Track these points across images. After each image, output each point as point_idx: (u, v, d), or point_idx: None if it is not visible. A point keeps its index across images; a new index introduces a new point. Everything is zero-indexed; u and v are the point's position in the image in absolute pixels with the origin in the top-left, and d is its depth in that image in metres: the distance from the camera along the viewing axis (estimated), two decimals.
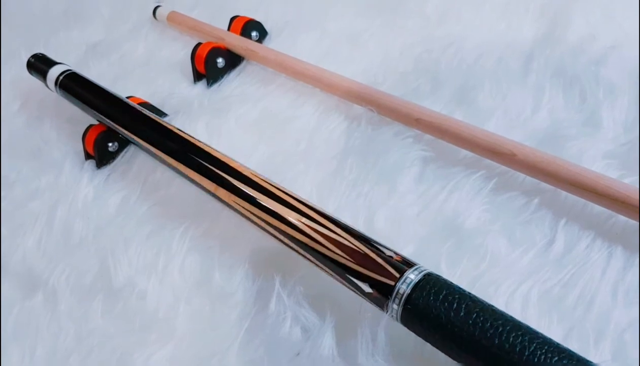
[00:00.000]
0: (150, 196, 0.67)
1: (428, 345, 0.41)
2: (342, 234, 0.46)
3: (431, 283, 0.41)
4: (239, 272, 0.55)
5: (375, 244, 0.45)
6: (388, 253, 0.44)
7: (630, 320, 0.44)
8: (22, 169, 0.78)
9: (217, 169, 0.55)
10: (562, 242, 0.49)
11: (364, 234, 0.47)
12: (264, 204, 0.51)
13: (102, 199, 0.69)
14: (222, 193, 0.54)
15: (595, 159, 0.54)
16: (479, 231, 0.52)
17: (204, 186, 0.56)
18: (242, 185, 0.53)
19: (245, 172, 0.54)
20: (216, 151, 0.58)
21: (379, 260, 0.44)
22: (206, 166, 0.56)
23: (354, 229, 0.47)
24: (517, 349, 0.36)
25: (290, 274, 0.52)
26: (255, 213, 0.51)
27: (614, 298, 0.45)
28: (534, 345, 0.36)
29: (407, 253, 0.45)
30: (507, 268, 0.49)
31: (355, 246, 0.45)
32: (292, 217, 0.49)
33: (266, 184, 0.52)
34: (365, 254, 0.44)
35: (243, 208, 0.52)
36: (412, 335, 0.42)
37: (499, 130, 0.57)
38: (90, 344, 0.56)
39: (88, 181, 0.71)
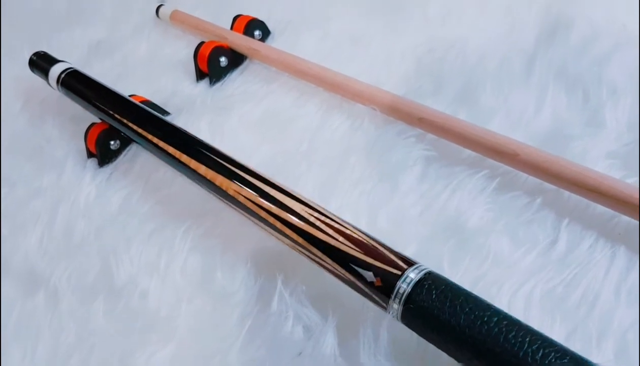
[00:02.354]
0: (153, 195, 0.67)
1: (430, 346, 0.41)
2: (343, 230, 0.46)
3: (432, 282, 0.41)
4: (241, 271, 0.55)
5: (375, 244, 0.45)
6: (388, 252, 0.44)
7: (633, 320, 0.44)
8: (24, 168, 0.78)
9: (220, 164, 0.55)
10: (565, 242, 0.49)
11: (365, 231, 0.47)
12: (268, 193, 0.51)
13: (104, 197, 0.69)
14: (225, 185, 0.54)
15: (599, 159, 0.54)
16: (482, 231, 0.52)
17: (208, 180, 0.56)
18: (245, 176, 0.53)
19: (248, 167, 0.54)
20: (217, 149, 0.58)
21: (384, 253, 0.44)
22: (209, 162, 0.56)
23: (353, 226, 0.47)
24: (519, 348, 0.36)
25: (292, 273, 0.52)
26: (258, 203, 0.51)
27: (616, 298, 0.45)
28: (536, 344, 0.36)
29: (409, 252, 0.45)
30: (510, 267, 0.49)
31: (358, 241, 0.45)
32: (296, 208, 0.49)
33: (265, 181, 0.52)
34: (370, 248, 0.45)
35: (246, 199, 0.52)
36: (415, 335, 0.42)
37: (501, 130, 0.57)
38: (92, 343, 0.56)
39: (90, 180, 0.71)
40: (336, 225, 0.47)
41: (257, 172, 0.53)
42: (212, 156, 0.57)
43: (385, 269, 0.43)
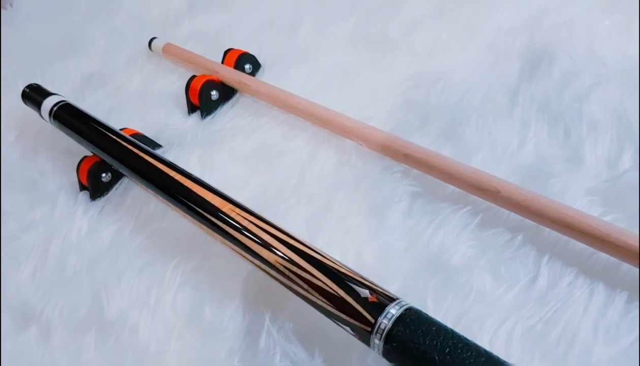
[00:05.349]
0: (144, 229, 0.67)
1: None
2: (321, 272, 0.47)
3: (412, 318, 0.42)
4: (230, 307, 0.56)
5: (357, 280, 0.46)
6: (371, 287, 0.45)
7: (611, 357, 0.45)
8: (17, 201, 0.79)
9: (208, 201, 0.56)
10: (546, 278, 0.50)
11: (351, 269, 0.48)
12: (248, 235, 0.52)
13: (96, 231, 0.70)
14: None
15: (579, 196, 0.55)
16: (465, 268, 0.53)
17: (197, 217, 0.57)
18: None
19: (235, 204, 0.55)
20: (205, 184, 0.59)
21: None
22: (198, 198, 0.57)
23: (339, 263, 0.48)
24: None
25: (280, 309, 0.53)
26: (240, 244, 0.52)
27: (595, 335, 0.46)
28: None
29: (394, 288, 0.46)
30: (492, 304, 0.50)
31: (341, 279, 0.46)
32: (278, 250, 0.50)
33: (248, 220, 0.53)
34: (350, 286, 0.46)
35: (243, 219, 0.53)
36: None
37: (485, 165, 0.59)
38: None
39: (82, 214, 0.72)
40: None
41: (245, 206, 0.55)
42: (204, 189, 0.57)
43: (379, 291, 0.44)
